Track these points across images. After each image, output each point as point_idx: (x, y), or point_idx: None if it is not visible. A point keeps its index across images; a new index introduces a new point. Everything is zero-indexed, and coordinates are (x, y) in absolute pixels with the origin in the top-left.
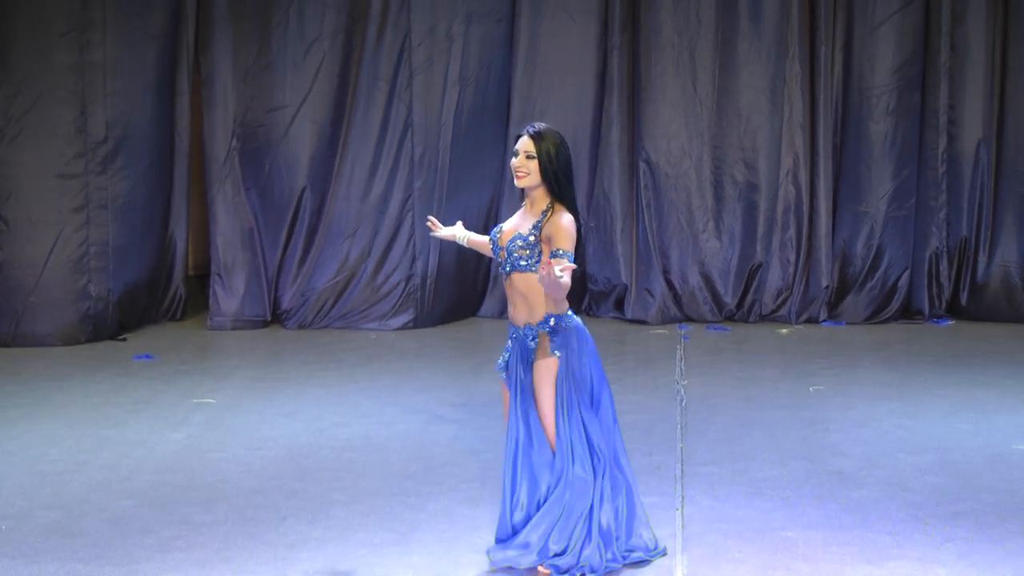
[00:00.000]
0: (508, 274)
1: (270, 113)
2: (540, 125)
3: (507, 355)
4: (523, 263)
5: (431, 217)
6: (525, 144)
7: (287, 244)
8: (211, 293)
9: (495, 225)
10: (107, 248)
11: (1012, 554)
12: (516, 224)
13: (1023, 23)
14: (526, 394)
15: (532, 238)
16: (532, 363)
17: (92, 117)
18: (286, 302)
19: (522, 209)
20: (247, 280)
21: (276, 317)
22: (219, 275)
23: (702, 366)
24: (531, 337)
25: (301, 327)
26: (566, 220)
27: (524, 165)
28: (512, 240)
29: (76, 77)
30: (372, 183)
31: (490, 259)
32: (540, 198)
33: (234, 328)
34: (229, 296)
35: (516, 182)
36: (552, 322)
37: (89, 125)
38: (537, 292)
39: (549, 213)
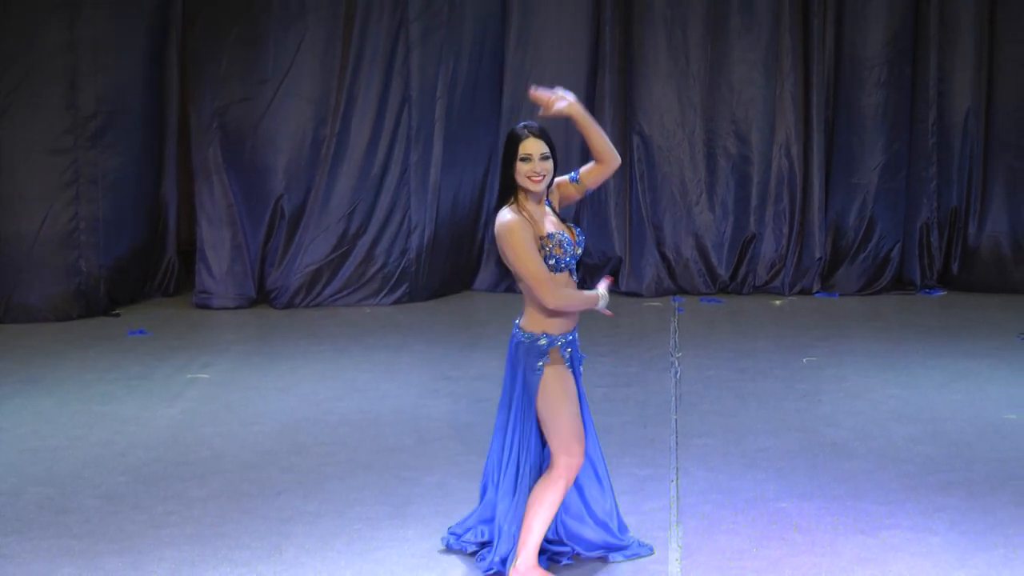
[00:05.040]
0: (567, 271)
1: (255, 87)
2: (533, 123)
3: (568, 363)
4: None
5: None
6: (537, 145)
7: (272, 221)
8: (196, 270)
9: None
10: (97, 223)
11: (1003, 523)
12: (553, 222)
13: None
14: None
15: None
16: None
17: (82, 92)
18: (275, 280)
19: (527, 210)
20: (230, 257)
21: (263, 296)
22: (203, 251)
23: (696, 338)
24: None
25: (291, 306)
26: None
27: (542, 168)
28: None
29: (66, 53)
30: (370, 158)
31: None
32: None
33: (219, 307)
34: (212, 273)
35: (531, 187)
36: None
37: (79, 100)
38: None
39: (548, 204)
